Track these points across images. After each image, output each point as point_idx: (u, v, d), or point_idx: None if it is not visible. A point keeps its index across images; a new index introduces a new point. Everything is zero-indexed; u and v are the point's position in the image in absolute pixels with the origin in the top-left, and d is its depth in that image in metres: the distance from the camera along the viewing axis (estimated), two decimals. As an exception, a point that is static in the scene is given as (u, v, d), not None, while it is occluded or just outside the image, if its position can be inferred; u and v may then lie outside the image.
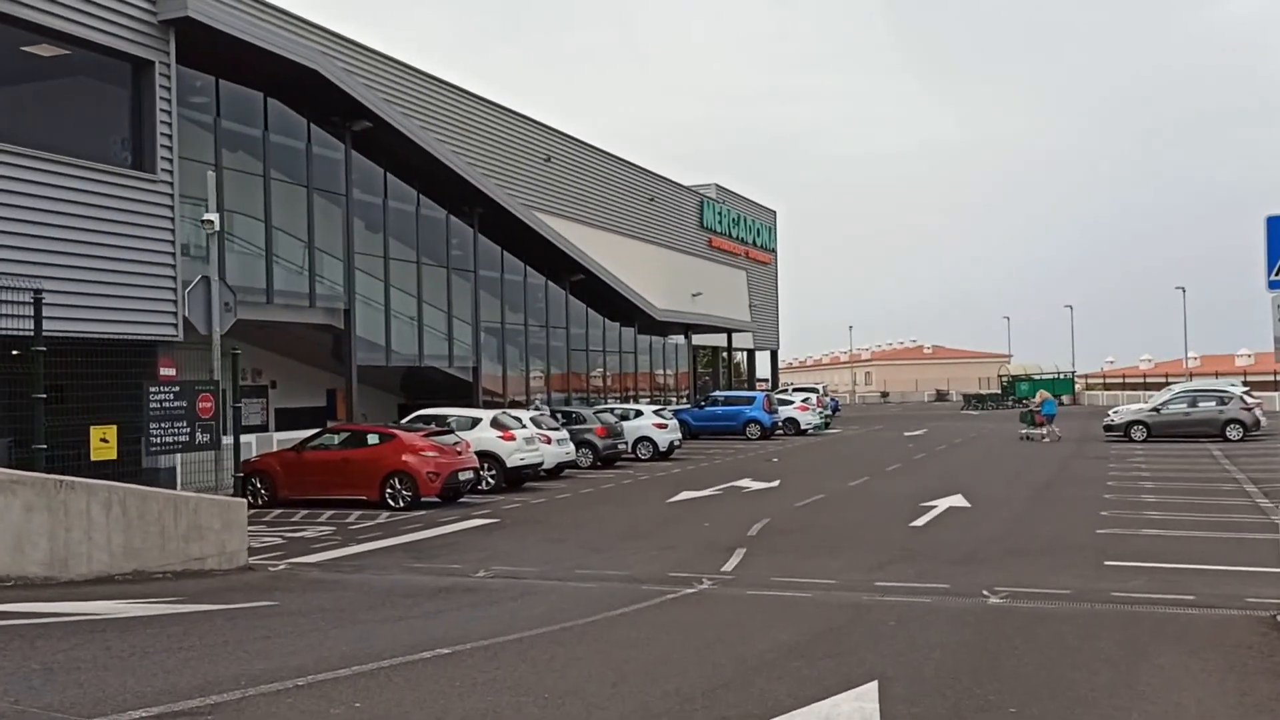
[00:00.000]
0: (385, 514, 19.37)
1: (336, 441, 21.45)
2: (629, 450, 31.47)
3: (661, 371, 49.17)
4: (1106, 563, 13.09)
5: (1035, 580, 11.96)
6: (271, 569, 13.44)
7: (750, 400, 43.07)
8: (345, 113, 26.39)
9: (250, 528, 17.76)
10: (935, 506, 19.04)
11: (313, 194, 25.80)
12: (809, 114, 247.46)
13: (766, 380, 72.69)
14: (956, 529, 16.38)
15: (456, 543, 15.71)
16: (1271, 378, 62.32)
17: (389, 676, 7.43)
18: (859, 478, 25.20)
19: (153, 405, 14.07)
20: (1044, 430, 37.23)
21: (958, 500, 19.99)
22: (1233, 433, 35.50)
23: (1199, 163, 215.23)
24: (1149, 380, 75.52)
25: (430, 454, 20.39)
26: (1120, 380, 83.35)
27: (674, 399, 49.27)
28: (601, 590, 11.58)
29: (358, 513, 19.53)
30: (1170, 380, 65.29)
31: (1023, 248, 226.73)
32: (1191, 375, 68.14)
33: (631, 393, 44.28)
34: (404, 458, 20.25)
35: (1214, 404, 36.72)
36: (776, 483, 24.24)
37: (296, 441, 21.97)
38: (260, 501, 20.84)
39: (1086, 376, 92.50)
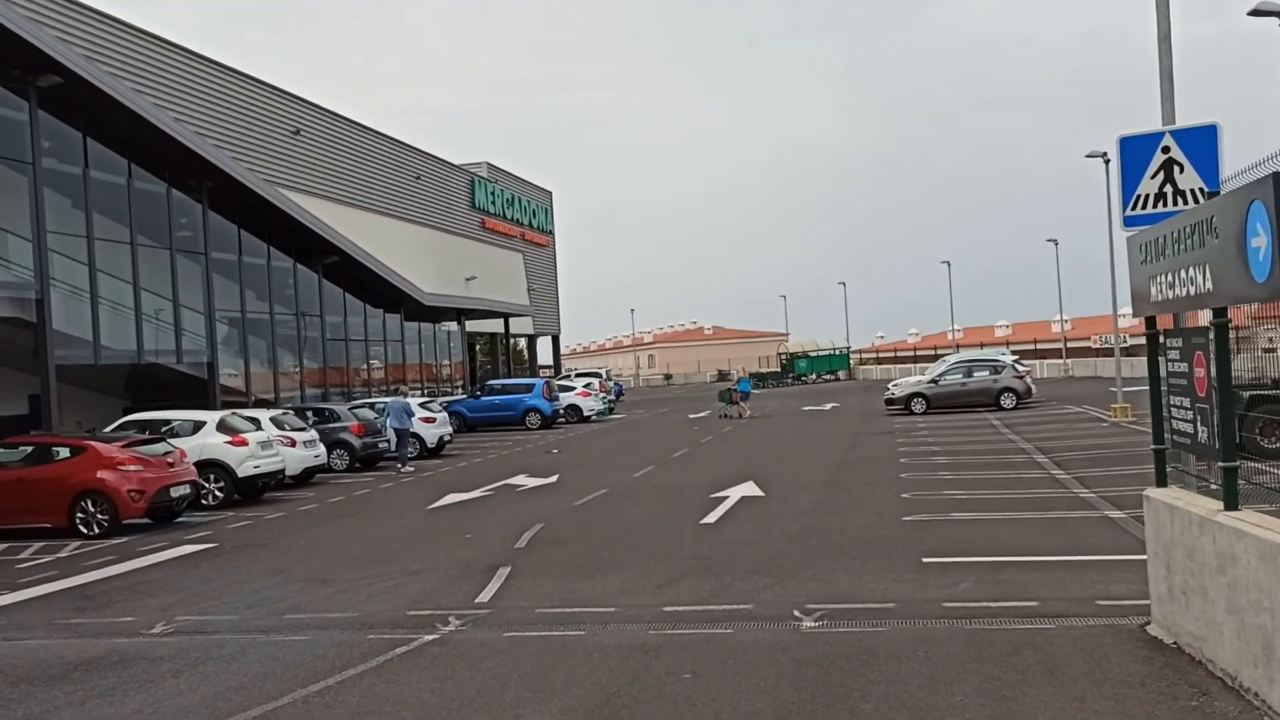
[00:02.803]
0: (75, 544, 15.78)
1: (17, 457, 17.54)
2: (392, 449, 28.30)
3: (435, 361, 45.92)
4: (925, 559, 11.31)
5: (851, 590, 9.98)
6: None
7: (529, 388, 40.55)
8: (28, 66, 22.10)
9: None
10: (727, 498, 17.10)
11: (-14, 161, 21.45)
12: (582, 103, 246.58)
13: (550, 367, 70.36)
14: (752, 525, 14.40)
15: (146, 581, 12.48)
16: (1031, 346, 64.97)
17: None
18: (644, 467, 23.14)
19: None
20: (740, 406, 40.30)
21: (750, 489, 18.15)
22: (1007, 401, 35.70)
23: (956, 148, 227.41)
24: (919, 353, 77.82)
25: (132, 468, 16.85)
26: (892, 354, 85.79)
27: (452, 390, 46.17)
28: (309, 647, 8.80)
29: (39, 544, 15.86)
30: (939, 352, 67.16)
31: (795, 228, 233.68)
32: (958, 347, 70.33)
33: (403, 385, 40.89)
34: (99, 474, 16.65)
35: (988, 374, 36.89)
36: (555, 478, 21.85)
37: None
38: (-87, 538, 16.78)
39: (860, 351, 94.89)
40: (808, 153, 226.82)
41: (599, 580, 11.16)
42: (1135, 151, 8.71)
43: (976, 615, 8.71)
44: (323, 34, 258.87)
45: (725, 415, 40.39)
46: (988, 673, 7.07)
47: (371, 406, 29.14)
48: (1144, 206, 8.66)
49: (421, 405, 29.86)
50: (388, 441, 27.34)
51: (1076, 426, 27.86)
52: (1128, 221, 8.57)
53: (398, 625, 9.45)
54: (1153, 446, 8.26)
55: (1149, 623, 7.99)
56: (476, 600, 10.36)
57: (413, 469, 25.72)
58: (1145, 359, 8.13)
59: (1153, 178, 8.63)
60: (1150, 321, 8.03)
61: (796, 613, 9.13)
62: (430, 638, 8.90)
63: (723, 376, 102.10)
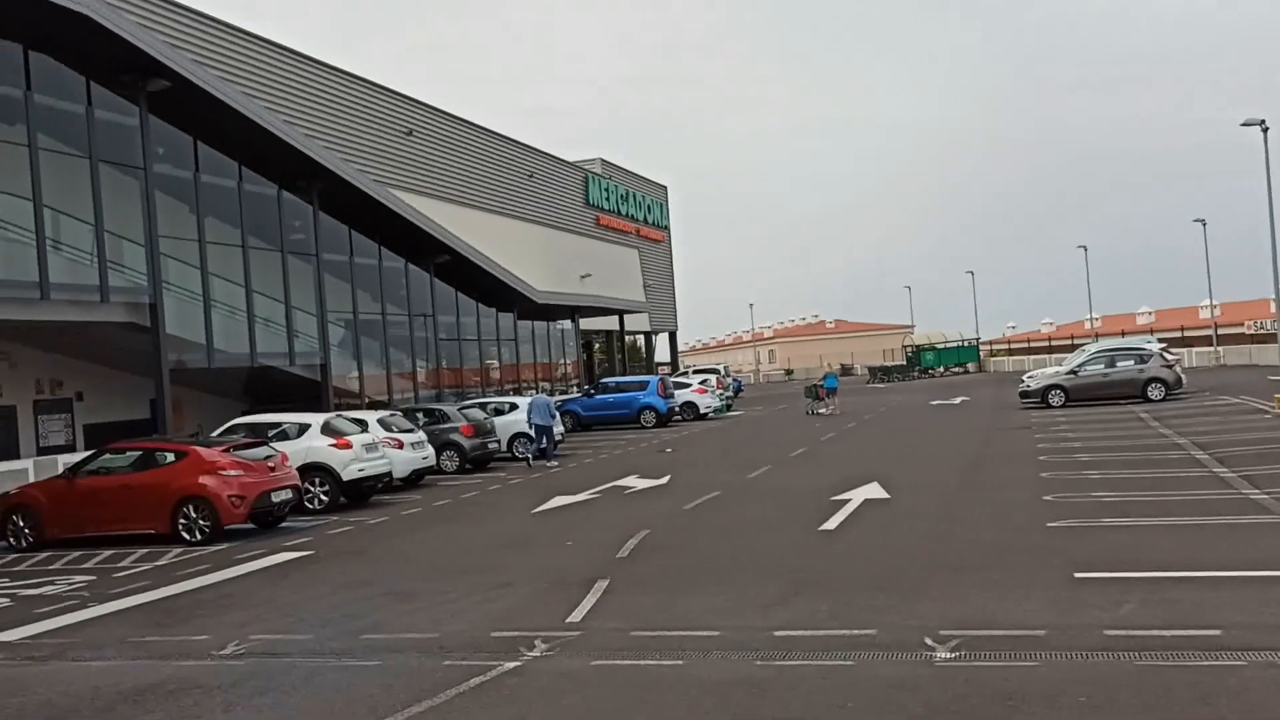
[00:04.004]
0: (176, 551, 15.44)
1: (124, 463, 17.35)
2: (504, 449, 27.79)
3: (550, 360, 45.43)
4: (1077, 575, 9.91)
5: (992, 613, 8.70)
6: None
7: (643, 385, 39.59)
8: (138, 70, 22.12)
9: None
10: (848, 501, 15.82)
11: (97, 166, 21.49)
12: (695, 98, 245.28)
13: (667, 364, 69.48)
14: (876, 531, 13.14)
15: (233, 593, 11.91)
16: (1178, 334, 61.27)
17: None
18: (760, 467, 21.95)
19: None
20: (827, 403, 39.39)
21: (874, 490, 16.83)
22: (1154, 392, 33.23)
23: (1088, 126, 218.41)
24: (1054, 344, 74.30)
25: (233, 473, 16.45)
26: (1025, 345, 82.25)
27: (567, 388, 45.65)
28: (377, 676, 7.97)
29: (142, 551, 15.57)
30: (1076, 342, 63.93)
31: (920, 216, 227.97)
32: (1096, 336, 66.88)
33: (515, 385, 40.53)
34: (200, 479, 16.28)
35: (1133, 363, 34.44)
36: (666, 479, 20.85)
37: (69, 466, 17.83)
38: (23, 544, 16.75)
39: (990, 343, 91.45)
40: (929, 138, 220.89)
41: (704, 596, 10.09)
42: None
43: (1146, 647, 7.36)
44: (437, 39, 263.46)
45: (812, 412, 39.31)
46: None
47: (483, 407, 28.64)
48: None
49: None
50: (497, 442, 26.79)
51: (1236, 419, 25.51)
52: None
53: (479, 649, 8.55)
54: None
55: (1367, 661, 6.56)
56: (567, 619, 9.40)
57: (557, 464, 25.53)
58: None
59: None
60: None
61: (928, 640, 7.91)
62: (510, 665, 7.98)
63: (845, 371, 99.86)
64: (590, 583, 10.95)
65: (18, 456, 22.27)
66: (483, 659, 8.22)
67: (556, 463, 25.92)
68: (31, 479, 18.70)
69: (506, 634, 8.99)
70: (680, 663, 7.82)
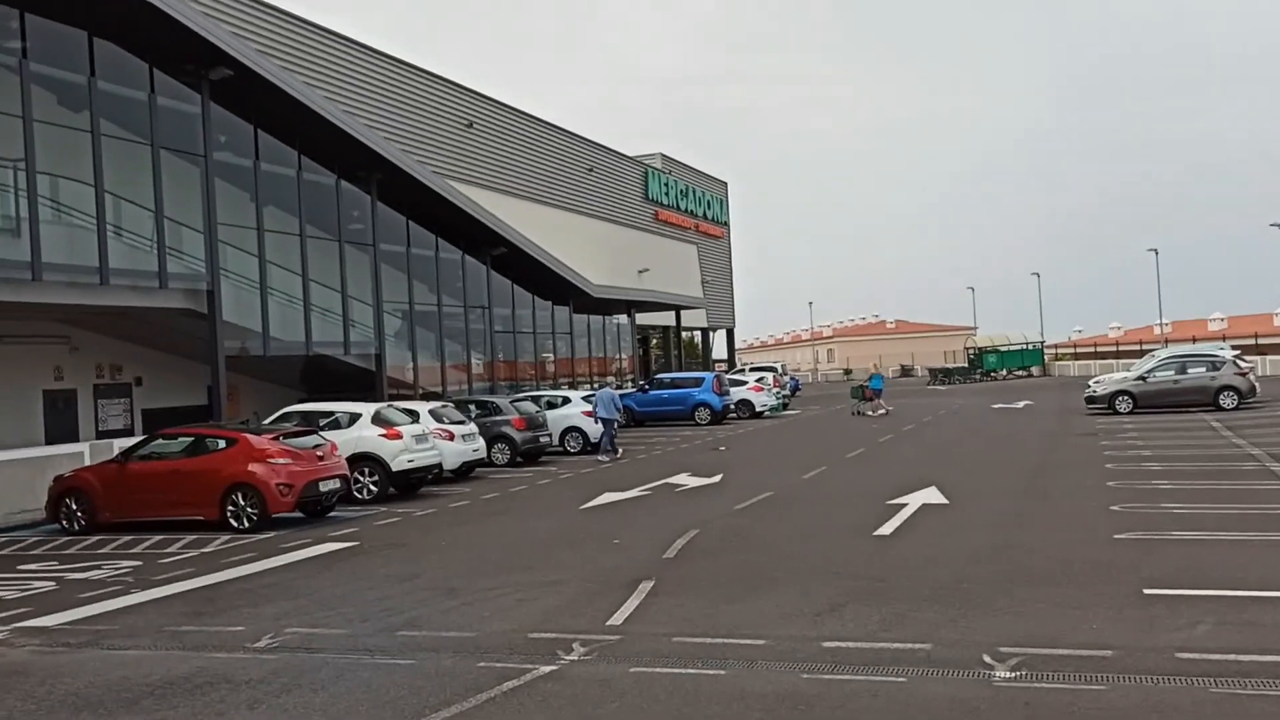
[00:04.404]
0: (223, 538, 15.40)
1: (176, 449, 17.38)
2: (555, 443, 27.59)
3: (604, 355, 45.19)
4: (1146, 591, 9.39)
5: (1055, 629, 8.23)
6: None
7: (699, 382, 39.15)
8: (201, 59, 22.21)
9: (32, 566, 13.94)
10: (905, 505, 15.34)
11: (159, 153, 21.60)
12: (755, 96, 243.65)
13: (725, 361, 68.98)
14: (934, 538, 12.67)
15: (274, 584, 11.78)
16: (1251, 341, 59.45)
17: None
18: (815, 467, 21.48)
19: None
20: (873, 404, 38.93)
21: (932, 495, 16.32)
22: (1227, 400, 32.13)
23: (1165, 127, 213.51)
24: (1121, 348, 72.57)
25: (281, 461, 16.39)
26: (1091, 349, 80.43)
27: (622, 384, 45.39)
28: (409, 676, 7.72)
29: (190, 538, 15.55)
30: (1144, 347, 62.37)
31: (984, 216, 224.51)
32: (1166, 341, 65.16)
33: (571, 379, 40.38)
34: (249, 467, 16.24)
35: (1204, 370, 33.32)
36: (718, 477, 20.47)
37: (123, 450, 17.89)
38: (76, 527, 16.85)
39: (1055, 346, 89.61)
40: (995, 138, 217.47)
41: (751, 602, 9.73)
42: None
43: (1223, 673, 6.87)
44: (503, 34, 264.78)
45: (857, 412, 39.10)
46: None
47: (535, 400, 28.47)
48: None
49: (584, 399, 28.98)
50: (549, 435, 26.60)
51: (1313, 430, 24.55)
52: None
53: (515, 650, 8.28)
54: None
55: None
56: (608, 623, 9.09)
57: (608, 459, 25.43)
58: None
59: None
60: None
61: (987, 657, 7.48)
62: (547, 669, 7.68)
63: (905, 372, 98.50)
64: (635, 584, 10.63)
65: (77, 439, 22.53)
66: (518, 661, 7.94)
67: (608, 458, 25.69)
68: (87, 462, 18.81)
69: (545, 635, 8.70)
70: (723, 673, 7.48)
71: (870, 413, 38.49)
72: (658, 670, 7.60)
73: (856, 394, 40.76)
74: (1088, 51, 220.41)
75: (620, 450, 26.38)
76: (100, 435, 23.74)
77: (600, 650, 8.20)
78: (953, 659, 7.52)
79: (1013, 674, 7.11)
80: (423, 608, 10.12)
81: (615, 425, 26.78)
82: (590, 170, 50.73)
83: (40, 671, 8.35)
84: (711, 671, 7.51)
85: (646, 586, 10.51)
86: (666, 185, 60.04)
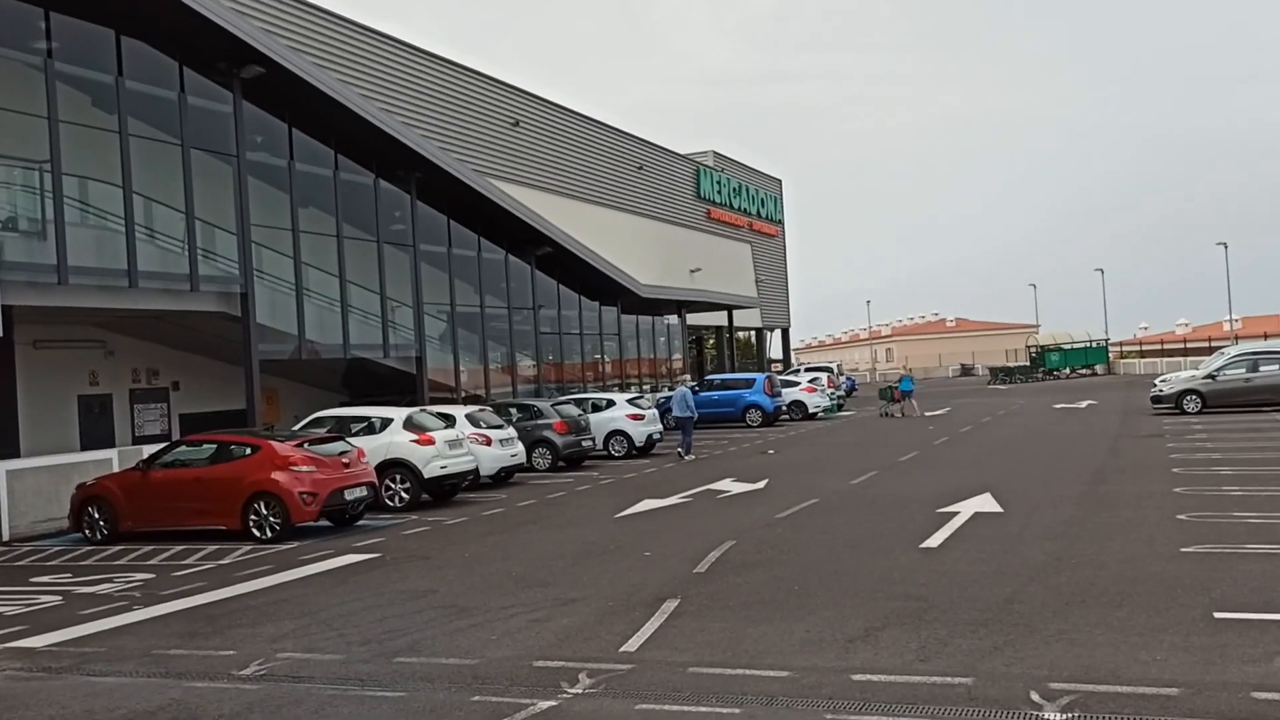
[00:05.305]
0: (244, 549, 14.93)
1: (199, 456, 16.96)
2: (599, 447, 26.92)
3: (654, 356, 44.43)
4: (1217, 614, 8.47)
5: (1114, 661, 7.35)
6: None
7: (749, 383, 38.27)
8: (233, 57, 21.86)
9: (44, 578, 13.56)
10: (956, 514, 14.44)
11: (189, 153, 21.28)
12: (812, 94, 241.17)
13: (780, 361, 67.90)
14: (984, 552, 11.77)
15: (281, 600, 11.21)
16: (1329, 336, 57.05)
17: None
18: (865, 472, 20.58)
19: None
20: (901, 405, 38.83)
21: (985, 503, 15.39)
22: (1303, 400, 30.62)
23: (1228, 118, 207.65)
24: (1189, 346, 70.29)
25: (305, 469, 15.88)
26: (1158, 346, 78.04)
27: (672, 385, 44.58)
28: (394, 712, 7.06)
29: (211, 548, 15.11)
30: (1213, 344, 60.27)
31: (1047, 213, 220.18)
32: (1236, 338, 62.93)
33: (620, 381, 39.70)
34: (272, 475, 15.75)
35: (1278, 368, 31.80)
36: (763, 483, 19.67)
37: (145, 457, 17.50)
38: (98, 536, 16.49)
39: (1121, 344, 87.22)
40: (1055, 132, 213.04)
41: (780, 624, 8.95)
42: None
43: (1310, 721, 5.98)
44: (556, 35, 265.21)
45: (886, 414, 38.97)
46: None
47: (579, 403, 27.82)
48: None
49: (629, 401, 28.30)
50: (591, 440, 25.95)
51: (1399, 431, 23.10)
52: None
53: (515, 682, 7.59)
54: None
55: None
56: (622, 649, 8.37)
57: (693, 456, 25.69)
58: None
59: None
60: None
61: (1034, 695, 6.65)
62: (544, 706, 6.98)
63: (966, 371, 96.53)
64: (658, 602, 9.91)
65: (113, 445, 22.30)
66: (516, 695, 7.25)
67: (690, 455, 25.92)
68: (116, 469, 18.50)
69: (552, 664, 8.00)
70: (737, 711, 6.72)
71: (898, 414, 38.40)
72: (666, 707, 6.85)
73: (885, 395, 40.48)
74: (1149, 44, 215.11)
75: (693, 455, 26.16)
76: (136, 440, 23.51)
77: (608, 682, 7.47)
78: (996, 697, 6.69)
79: (1063, 716, 6.27)
80: (429, 629, 9.48)
81: (690, 424, 26.55)
82: (640, 168, 50.05)
83: (9, 699, 7.83)
84: (725, 709, 6.75)
85: (670, 606, 9.77)
86: (719, 183, 59.17)
